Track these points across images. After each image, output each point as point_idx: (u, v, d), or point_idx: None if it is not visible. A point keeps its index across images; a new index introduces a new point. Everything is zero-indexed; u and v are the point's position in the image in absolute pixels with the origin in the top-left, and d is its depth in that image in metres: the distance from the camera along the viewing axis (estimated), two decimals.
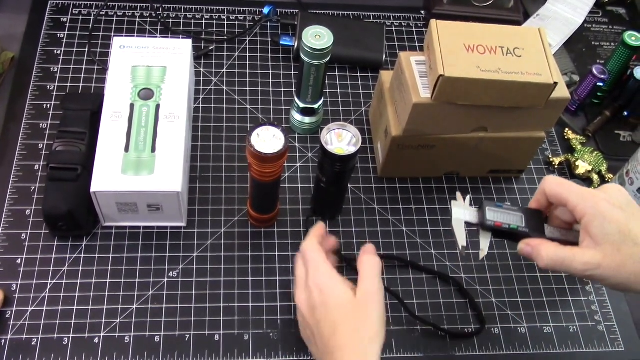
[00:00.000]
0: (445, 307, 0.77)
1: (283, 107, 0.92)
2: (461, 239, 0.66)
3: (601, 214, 0.57)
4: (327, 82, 0.93)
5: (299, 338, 0.68)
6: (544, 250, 0.60)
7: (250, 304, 0.75)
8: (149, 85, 0.80)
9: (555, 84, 0.72)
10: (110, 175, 0.73)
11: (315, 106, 0.85)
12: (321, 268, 0.64)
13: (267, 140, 0.68)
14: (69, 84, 0.90)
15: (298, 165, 0.86)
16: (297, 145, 0.88)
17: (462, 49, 0.73)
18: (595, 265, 0.57)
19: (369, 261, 0.64)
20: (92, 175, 0.72)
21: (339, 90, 0.94)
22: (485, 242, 0.66)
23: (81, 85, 0.90)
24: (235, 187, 0.83)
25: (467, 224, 0.67)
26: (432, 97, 0.73)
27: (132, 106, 0.78)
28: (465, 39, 0.73)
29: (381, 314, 0.61)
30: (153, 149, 0.75)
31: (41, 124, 0.85)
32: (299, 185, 0.85)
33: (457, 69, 0.71)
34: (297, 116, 0.87)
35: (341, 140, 0.72)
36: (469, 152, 0.83)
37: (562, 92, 0.76)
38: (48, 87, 0.89)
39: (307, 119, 0.87)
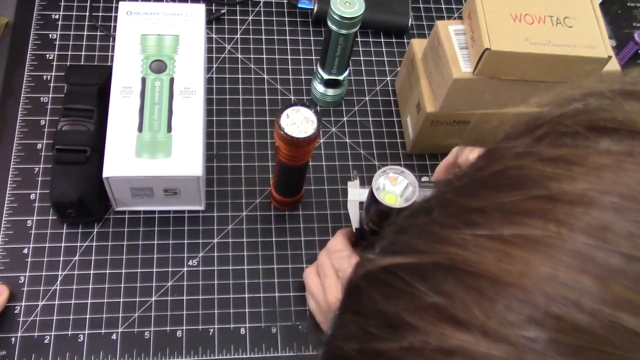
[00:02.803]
0: None
1: (303, 77, 0.85)
2: (355, 221, 0.66)
3: None
4: None
5: None
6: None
7: (276, 294, 0.70)
8: (161, 56, 0.73)
9: (609, 57, 0.66)
10: (123, 158, 0.67)
11: (341, 77, 0.79)
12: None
13: (298, 122, 0.62)
14: (69, 53, 0.82)
15: (322, 141, 0.80)
16: None
17: (508, 19, 0.66)
18: None
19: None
20: (104, 159, 0.66)
21: (361, 58, 0.88)
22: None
23: (83, 53, 0.82)
24: (255, 167, 0.77)
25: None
26: (474, 72, 0.67)
27: (143, 80, 0.71)
28: (511, 7, 0.67)
29: None
30: (169, 129, 0.69)
31: (42, 98, 0.78)
32: (324, 164, 0.79)
33: (505, 42, 0.65)
34: (319, 88, 0.81)
35: (395, 184, 0.63)
36: (505, 129, 0.77)
37: (612, 65, 0.70)
38: (47, 56, 0.81)
39: (330, 91, 0.80)
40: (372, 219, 0.64)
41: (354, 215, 0.68)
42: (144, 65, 0.72)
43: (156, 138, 0.68)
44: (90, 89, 0.72)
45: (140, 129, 0.68)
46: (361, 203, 0.66)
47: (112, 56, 0.73)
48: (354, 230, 0.68)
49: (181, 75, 0.72)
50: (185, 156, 0.68)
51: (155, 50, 0.73)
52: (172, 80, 0.72)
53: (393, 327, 0.23)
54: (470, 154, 0.66)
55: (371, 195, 0.61)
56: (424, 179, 0.68)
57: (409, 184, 0.62)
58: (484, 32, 0.65)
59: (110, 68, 0.73)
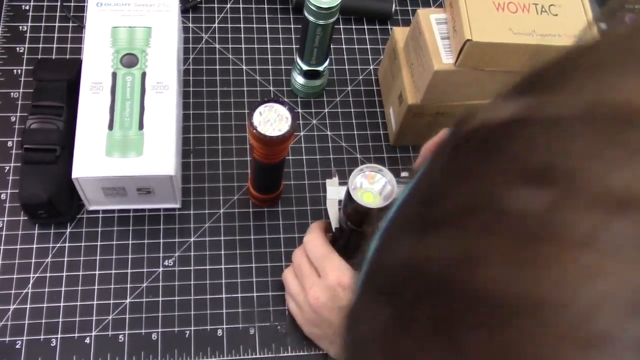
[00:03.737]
0: None
1: (283, 67, 0.82)
2: (334, 220, 0.65)
3: None
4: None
5: None
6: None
7: (254, 294, 0.68)
8: (133, 49, 0.70)
9: None
10: (93, 158, 0.64)
11: (320, 68, 0.76)
12: (338, 263, 0.61)
13: (272, 120, 0.60)
14: (41, 45, 0.79)
15: (302, 134, 0.78)
16: (299, 110, 0.80)
17: (491, 7, 0.63)
18: None
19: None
20: (73, 159, 0.64)
21: (343, 46, 0.85)
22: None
23: (55, 46, 0.80)
24: (234, 162, 0.75)
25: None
26: (456, 63, 0.65)
27: (114, 75, 0.69)
28: None
29: None
30: (140, 126, 0.66)
31: (12, 93, 0.76)
32: (304, 157, 0.77)
33: (487, 32, 0.62)
34: (299, 79, 0.78)
35: (373, 182, 0.61)
36: None
37: None
38: (17, 49, 0.79)
39: (310, 82, 0.78)
40: (350, 218, 0.62)
41: (333, 214, 0.66)
42: (114, 60, 0.70)
43: (127, 136, 0.66)
44: (60, 85, 0.70)
45: (110, 126, 0.66)
46: (340, 201, 0.64)
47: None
48: (334, 230, 0.66)
49: (153, 69, 0.70)
50: (157, 155, 0.65)
51: (126, 44, 0.71)
52: (144, 75, 0.69)
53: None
54: None
55: (348, 194, 0.59)
56: (403, 174, 0.66)
57: (387, 182, 0.60)
58: (465, 22, 0.62)
59: (80, 62, 0.70)
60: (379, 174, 0.60)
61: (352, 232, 0.64)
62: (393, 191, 0.59)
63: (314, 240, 0.63)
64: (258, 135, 0.59)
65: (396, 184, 0.59)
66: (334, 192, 0.66)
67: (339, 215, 0.65)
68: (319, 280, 0.61)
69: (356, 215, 0.61)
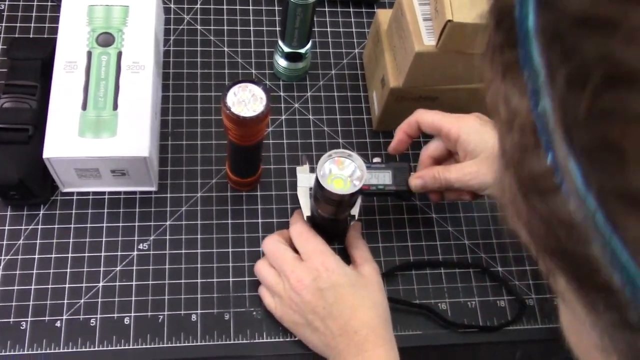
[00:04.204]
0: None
1: (266, 50, 0.81)
2: (306, 208, 0.65)
3: (475, 129, 0.61)
4: (315, 20, 0.82)
5: None
6: (436, 172, 0.63)
7: (230, 279, 0.67)
8: (109, 28, 0.69)
9: None
10: (65, 138, 0.63)
11: (302, 51, 0.74)
12: (323, 247, 0.62)
13: (246, 100, 0.58)
14: (18, 24, 0.78)
15: (283, 117, 0.77)
16: (281, 94, 0.78)
17: None
18: (475, 173, 0.60)
19: (362, 243, 0.67)
20: (45, 139, 0.63)
21: (328, 29, 0.83)
22: (355, 207, 0.64)
23: (32, 25, 0.78)
24: (213, 145, 0.74)
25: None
26: (437, 45, 0.63)
27: (89, 54, 0.67)
28: None
29: (385, 290, 0.63)
30: (115, 106, 0.65)
31: None
32: (284, 141, 0.75)
33: (468, 13, 0.60)
34: (281, 62, 0.76)
35: (342, 168, 0.59)
36: (476, 105, 0.73)
37: None
38: None
39: (292, 65, 0.76)
40: (320, 206, 0.61)
41: (305, 202, 0.64)
42: (90, 39, 0.68)
43: (101, 116, 0.64)
44: (34, 64, 0.68)
45: (84, 106, 0.65)
46: (311, 189, 0.62)
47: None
48: (305, 219, 0.65)
49: (130, 48, 0.68)
50: (131, 135, 0.64)
51: (102, 22, 0.69)
52: (119, 55, 0.68)
53: None
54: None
55: (317, 182, 0.57)
56: (375, 160, 0.65)
57: (356, 167, 0.58)
58: (447, 2, 0.60)
59: (55, 41, 0.68)
60: (348, 159, 0.59)
61: (324, 220, 0.63)
62: (363, 176, 0.58)
63: (300, 229, 0.64)
64: (232, 116, 0.57)
65: (366, 169, 0.58)
66: (305, 179, 0.65)
67: (310, 203, 0.63)
68: (301, 264, 0.61)
69: (327, 203, 0.60)
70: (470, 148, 0.61)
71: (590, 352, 0.26)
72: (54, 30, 0.76)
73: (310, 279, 0.59)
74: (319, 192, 0.59)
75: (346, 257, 0.66)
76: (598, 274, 0.19)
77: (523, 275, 0.71)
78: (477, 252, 0.72)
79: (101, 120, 0.64)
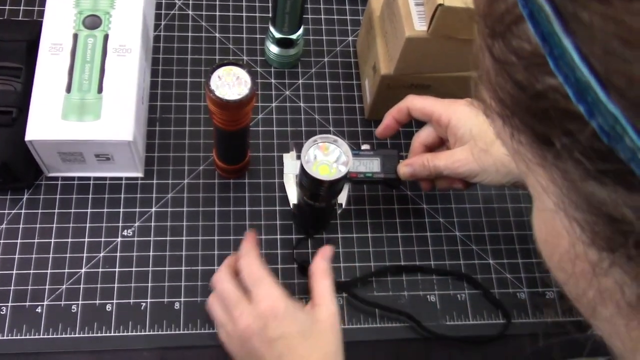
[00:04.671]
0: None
1: (258, 36, 0.79)
2: (292, 196, 0.63)
3: (466, 115, 0.60)
4: (307, 6, 0.81)
5: None
6: (425, 160, 0.61)
7: (215, 268, 0.66)
8: (96, 10, 0.68)
9: None
10: (48, 120, 0.62)
11: (294, 37, 0.73)
12: (273, 291, 0.55)
13: (231, 83, 0.57)
14: (7, 7, 0.77)
15: (274, 105, 0.75)
16: (272, 81, 0.77)
17: None
18: (464, 160, 0.59)
19: (326, 276, 0.58)
20: (28, 121, 0.62)
21: (322, 16, 0.82)
22: (342, 195, 0.63)
23: (22, 8, 0.77)
24: (201, 131, 0.73)
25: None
26: (429, 31, 0.62)
27: (75, 37, 0.66)
28: None
29: (341, 336, 0.56)
30: (100, 90, 0.64)
31: None
32: (274, 129, 0.74)
33: None
34: (272, 48, 0.75)
35: (327, 153, 0.57)
36: (470, 94, 0.71)
37: None
38: None
39: (284, 52, 0.75)
40: (306, 193, 0.59)
41: (291, 189, 0.63)
42: (77, 21, 0.67)
43: (85, 99, 0.63)
44: (19, 46, 0.67)
45: (68, 89, 0.64)
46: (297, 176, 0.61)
47: None
48: (291, 206, 0.64)
49: (117, 31, 0.67)
50: (116, 119, 0.63)
51: (90, 4, 0.68)
52: (106, 37, 0.67)
53: None
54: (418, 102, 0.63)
55: (302, 168, 0.56)
56: (364, 147, 0.64)
57: (342, 153, 0.57)
58: None
59: (41, 23, 0.67)
60: (333, 144, 0.58)
61: (310, 207, 0.62)
62: (349, 162, 0.56)
63: (251, 265, 0.57)
64: (215, 100, 0.56)
65: (352, 155, 0.57)
66: (292, 166, 0.63)
67: (297, 190, 0.62)
68: (249, 307, 0.54)
69: (312, 189, 0.58)
70: (460, 133, 0.59)
71: (559, 247, 0.27)
72: (43, 14, 0.76)
73: (258, 327, 0.53)
74: (304, 178, 0.58)
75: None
76: (557, 108, 0.22)
77: (515, 268, 0.70)
78: (468, 244, 0.70)
79: (85, 104, 0.63)
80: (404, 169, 0.62)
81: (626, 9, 0.19)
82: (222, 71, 0.57)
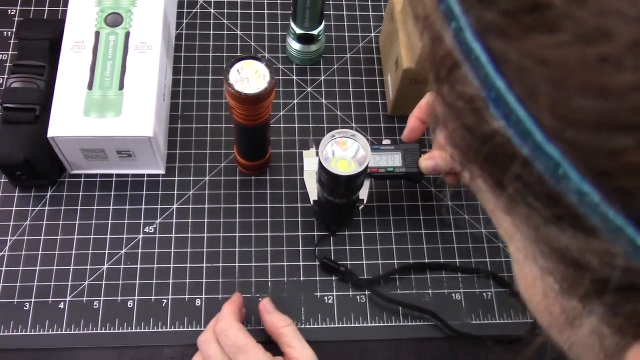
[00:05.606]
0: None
1: (279, 33, 0.79)
2: (312, 192, 0.62)
3: None
4: (329, 2, 0.80)
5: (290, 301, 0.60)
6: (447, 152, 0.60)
7: (236, 264, 0.66)
8: (118, 8, 0.68)
9: None
10: (70, 117, 0.62)
11: (315, 32, 0.73)
12: (257, 357, 0.53)
13: (250, 77, 0.57)
14: (32, 8, 0.78)
15: (295, 101, 0.75)
16: (294, 77, 0.76)
17: None
18: None
19: (286, 329, 0.57)
20: (50, 118, 0.62)
21: (344, 13, 0.81)
22: (363, 191, 0.61)
23: (47, 8, 0.78)
24: (222, 128, 0.72)
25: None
26: None
27: (97, 34, 0.67)
28: None
29: None
30: (121, 86, 0.64)
31: (1, 56, 0.74)
32: (296, 126, 0.73)
33: None
34: (293, 44, 0.75)
35: (345, 148, 0.57)
36: None
37: None
38: (9, 11, 0.77)
39: (305, 48, 0.74)
40: (326, 189, 0.59)
41: (311, 186, 0.63)
42: (98, 19, 0.67)
43: (106, 96, 0.64)
44: (42, 44, 0.68)
45: (90, 86, 0.64)
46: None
47: None
48: (312, 202, 0.63)
49: (138, 29, 0.67)
50: (136, 115, 0.63)
51: (111, 3, 0.68)
52: (127, 35, 0.67)
53: None
54: None
55: (320, 164, 0.55)
56: (385, 141, 0.63)
57: (360, 147, 0.56)
58: None
59: (64, 21, 0.68)
60: (350, 139, 0.57)
61: (330, 204, 0.61)
62: (367, 156, 0.55)
63: (228, 330, 0.55)
64: (234, 93, 0.56)
65: (370, 149, 0.56)
66: (312, 163, 0.63)
67: (317, 187, 0.61)
68: None
69: (332, 185, 0.57)
70: None
71: (535, 295, 0.26)
72: (66, 14, 0.76)
73: None
74: (322, 174, 0.57)
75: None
76: (505, 152, 0.20)
77: None
78: (494, 242, 0.69)
79: (106, 100, 0.63)
80: (426, 162, 0.61)
81: (544, 42, 0.18)
82: (240, 65, 0.57)
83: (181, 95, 0.74)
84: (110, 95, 0.63)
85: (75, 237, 0.66)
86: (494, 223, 0.27)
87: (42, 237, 0.65)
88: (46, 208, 0.67)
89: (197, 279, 0.65)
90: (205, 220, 0.67)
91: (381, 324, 0.64)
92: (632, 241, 0.18)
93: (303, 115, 0.74)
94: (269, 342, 0.57)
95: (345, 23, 0.80)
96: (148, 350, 0.61)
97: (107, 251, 0.65)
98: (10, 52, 0.75)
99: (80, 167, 0.68)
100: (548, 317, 0.25)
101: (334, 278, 0.66)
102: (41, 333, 0.61)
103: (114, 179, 0.69)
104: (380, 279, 0.66)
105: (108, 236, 0.66)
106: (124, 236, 0.66)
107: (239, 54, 0.76)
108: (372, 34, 0.80)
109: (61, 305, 0.62)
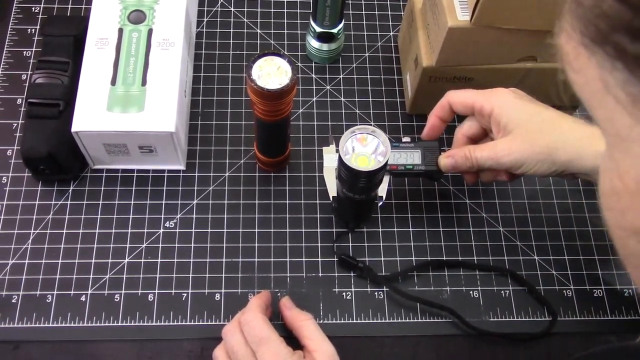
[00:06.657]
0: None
1: (299, 32, 0.80)
2: (332, 189, 0.62)
3: (509, 102, 0.59)
4: (349, 1, 0.81)
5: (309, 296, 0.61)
6: (467, 151, 0.60)
7: (255, 260, 0.66)
8: (141, 6, 0.69)
9: None
10: (93, 112, 0.63)
11: (334, 30, 0.73)
12: (277, 349, 0.54)
13: (272, 73, 0.57)
14: (56, 6, 0.79)
15: (314, 99, 0.75)
16: (313, 76, 0.77)
17: None
18: (507, 150, 0.58)
19: (307, 322, 0.58)
20: (74, 113, 0.63)
21: (363, 12, 0.82)
22: (382, 188, 0.62)
23: (70, 6, 0.79)
24: (242, 125, 0.73)
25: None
26: (472, 20, 0.61)
27: (120, 31, 0.68)
28: None
29: None
30: (143, 82, 0.65)
31: (25, 52, 0.76)
32: (315, 123, 0.74)
33: None
34: (313, 42, 0.75)
35: (365, 144, 0.57)
36: (514, 86, 0.70)
37: None
38: (33, 9, 0.79)
39: (325, 46, 0.75)
40: (345, 185, 0.59)
41: (331, 182, 0.63)
42: (122, 16, 0.68)
43: (129, 92, 0.64)
44: (66, 40, 0.69)
45: (113, 82, 0.65)
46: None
47: None
48: (331, 199, 0.63)
49: (160, 25, 0.68)
50: (158, 111, 0.64)
51: (135, 0, 0.69)
52: (150, 32, 0.68)
53: None
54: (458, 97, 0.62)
55: (340, 160, 0.56)
56: (405, 139, 0.63)
57: (380, 143, 0.56)
58: None
59: (87, 18, 0.69)
60: (371, 135, 0.57)
61: (350, 200, 0.61)
62: (387, 151, 0.56)
63: (253, 321, 0.56)
64: (256, 89, 0.56)
65: (390, 145, 0.56)
66: (331, 159, 0.63)
67: (337, 183, 0.62)
68: None
69: (351, 181, 0.58)
70: (504, 122, 0.58)
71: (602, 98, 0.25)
72: (90, 11, 0.77)
73: None
74: (342, 170, 0.57)
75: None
76: None
77: (561, 265, 0.68)
78: (513, 240, 0.69)
79: (129, 96, 0.64)
80: (445, 160, 0.62)
81: None
82: (263, 61, 0.57)
83: (201, 93, 0.75)
84: (133, 91, 0.64)
85: (97, 231, 0.66)
86: (601, 128, 0.27)
87: (64, 231, 0.66)
88: (68, 202, 0.68)
89: (216, 273, 0.65)
90: (225, 215, 0.68)
91: (399, 321, 0.64)
92: None
93: (322, 113, 0.74)
94: (289, 337, 0.57)
95: (364, 22, 0.81)
96: (167, 343, 0.62)
97: (128, 245, 0.66)
98: (34, 49, 0.76)
99: (102, 162, 0.69)
100: None
101: (352, 274, 0.66)
102: (63, 325, 0.62)
103: (135, 174, 0.70)
104: (398, 275, 0.66)
105: (129, 230, 0.67)
106: (145, 231, 0.67)
107: (259, 52, 0.77)
108: (391, 34, 0.80)
109: (83, 298, 0.63)
